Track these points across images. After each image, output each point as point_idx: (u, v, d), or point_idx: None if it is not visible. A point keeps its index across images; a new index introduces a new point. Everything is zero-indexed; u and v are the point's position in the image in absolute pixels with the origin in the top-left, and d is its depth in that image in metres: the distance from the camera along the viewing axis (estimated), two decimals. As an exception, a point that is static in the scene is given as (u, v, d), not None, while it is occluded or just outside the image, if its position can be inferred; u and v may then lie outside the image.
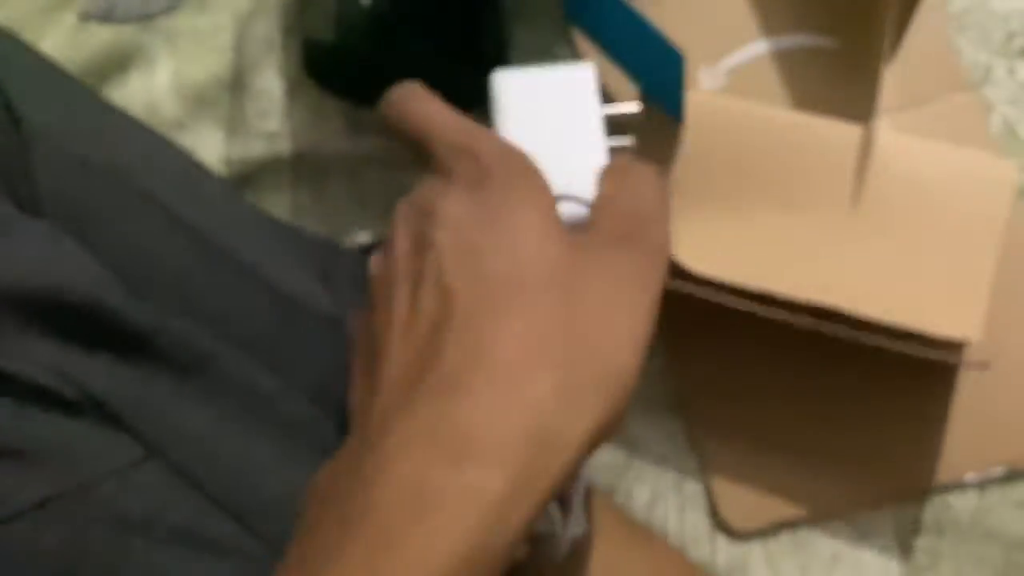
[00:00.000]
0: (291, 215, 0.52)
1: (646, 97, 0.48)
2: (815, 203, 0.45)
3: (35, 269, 0.32)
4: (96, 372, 0.32)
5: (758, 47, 0.50)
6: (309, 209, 0.52)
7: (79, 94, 0.41)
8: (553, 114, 0.40)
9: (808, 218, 0.45)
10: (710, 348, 0.47)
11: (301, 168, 0.52)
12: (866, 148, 0.47)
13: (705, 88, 0.50)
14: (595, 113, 0.40)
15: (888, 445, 0.45)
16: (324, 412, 0.35)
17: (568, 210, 0.35)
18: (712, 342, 0.46)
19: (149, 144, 0.41)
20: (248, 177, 0.53)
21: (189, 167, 0.41)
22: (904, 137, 0.47)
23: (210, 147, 0.53)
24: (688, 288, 0.43)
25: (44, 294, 0.32)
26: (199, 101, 0.54)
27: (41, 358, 0.32)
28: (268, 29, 0.54)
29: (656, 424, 0.46)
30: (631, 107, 0.43)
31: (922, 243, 0.44)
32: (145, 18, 0.55)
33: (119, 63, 0.55)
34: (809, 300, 0.42)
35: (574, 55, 0.52)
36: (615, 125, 0.43)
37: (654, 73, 0.46)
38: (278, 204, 0.52)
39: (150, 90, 0.55)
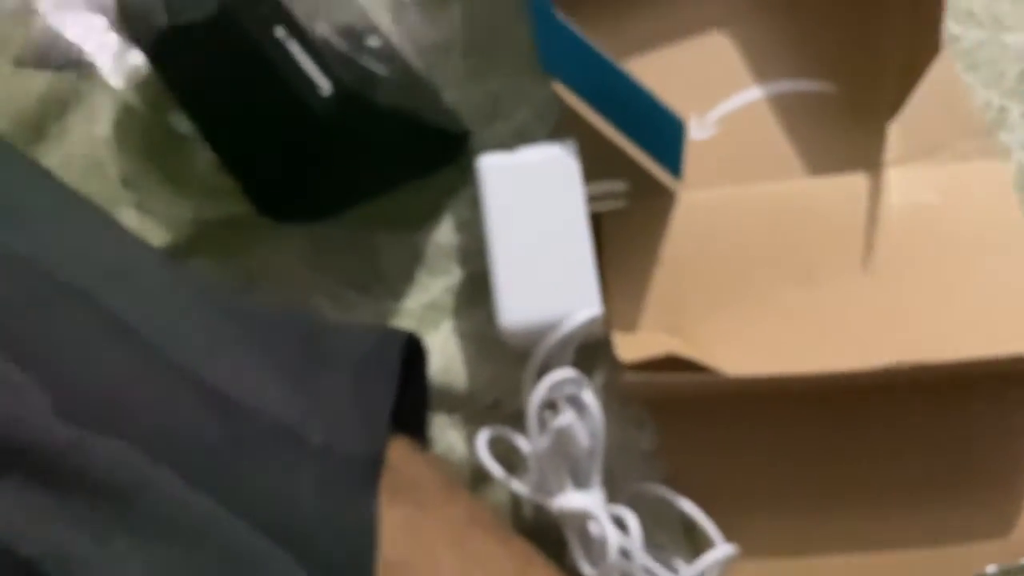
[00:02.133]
0: (243, 279, 0.48)
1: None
2: (835, 268, 0.42)
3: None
4: (6, 509, 0.28)
5: (751, 94, 0.46)
6: (263, 272, 0.48)
7: (3, 171, 0.37)
8: (538, 199, 0.42)
9: (832, 285, 0.42)
10: (704, 430, 0.43)
11: (257, 228, 0.48)
12: (874, 199, 0.43)
13: (695, 139, 0.46)
14: (578, 194, 0.42)
15: (900, 535, 0.41)
16: (280, 543, 0.31)
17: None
18: (706, 423, 0.42)
19: (83, 227, 0.36)
20: (198, 239, 0.49)
21: (127, 250, 0.37)
22: (901, 171, 0.44)
23: (157, 206, 0.49)
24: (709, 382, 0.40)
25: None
26: (146, 156, 0.50)
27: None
28: (219, 76, 0.50)
29: (651, 509, 0.42)
30: (617, 185, 0.42)
31: (957, 271, 0.42)
32: (85, 64, 0.51)
33: (57, 114, 0.51)
34: (874, 367, 0.39)
35: (552, 102, 0.48)
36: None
37: (648, 132, 0.42)
38: (230, 268, 0.48)
39: (92, 143, 0.50)
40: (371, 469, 0.35)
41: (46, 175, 0.40)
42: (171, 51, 0.44)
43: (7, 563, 0.27)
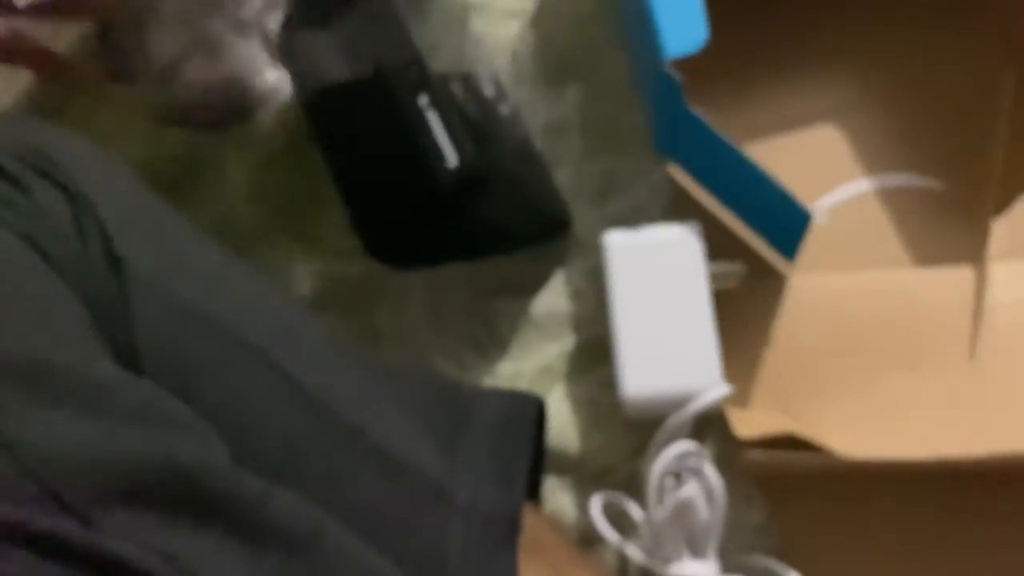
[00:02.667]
0: (369, 335, 0.51)
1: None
2: (942, 357, 0.44)
3: (138, 441, 0.30)
4: (203, 555, 0.30)
5: (859, 185, 0.49)
6: (385, 331, 0.51)
7: (175, 226, 0.40)
8: (662, 276, 0.44)
9: (938, 373, 0.44)
10: (814, 507, 0.44)
11: (381, 288, 0.51)
12: (979, 293, 0.45)
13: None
14: (701, 274, 0.45)
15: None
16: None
17: None
18: (816, 500, 0.44)
19: (248, 285, 0.39)
20: (324, 296, 0.51)
21: (292, 313, 0.39)
22: (1006, 266, 0.46)
23: (287, 262, 0.52)
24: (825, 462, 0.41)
25: (147, 467, 0.30)
26: (275, 213, 0.53)
27: (145, 537, 0.30)
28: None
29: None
30: (736, 267, 0.44)
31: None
32: (221, 125, 0.54)
33: (192, 170, 0.54)
34: (978, 455, 0.41)
35: (666, 181, 0.50)
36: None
37: (765, 216, 0.45)
38: (354, 325, 0.51)
39: (224, 200, 0.53)
40: (510, 529, 0.37)
41: (204, 234, 0.43)
42: (326, 103, 0.47)
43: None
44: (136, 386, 0.32)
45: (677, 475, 0.41)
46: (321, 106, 0.49)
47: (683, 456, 0.41)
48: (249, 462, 0.33)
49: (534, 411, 0.41)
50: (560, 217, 0.50)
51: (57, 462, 0.30)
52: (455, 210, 0.45)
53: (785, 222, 0.44)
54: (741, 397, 0.45)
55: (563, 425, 0.48)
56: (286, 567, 0.31)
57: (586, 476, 0.47)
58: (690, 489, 0.40)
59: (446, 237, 0.48)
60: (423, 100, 0.44)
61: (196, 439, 0.32)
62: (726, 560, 0.43)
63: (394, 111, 0.45)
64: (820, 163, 0.49)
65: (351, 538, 0.33)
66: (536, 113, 0.52)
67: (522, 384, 0.49)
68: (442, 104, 0.44)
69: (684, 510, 0.40)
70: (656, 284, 0.44)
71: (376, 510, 0.35)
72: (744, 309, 0.46)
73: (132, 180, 0.42)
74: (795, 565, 0.43)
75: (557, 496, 0.47)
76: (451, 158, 0.44)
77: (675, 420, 0.41)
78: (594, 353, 0.49)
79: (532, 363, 0.49)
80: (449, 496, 0.36)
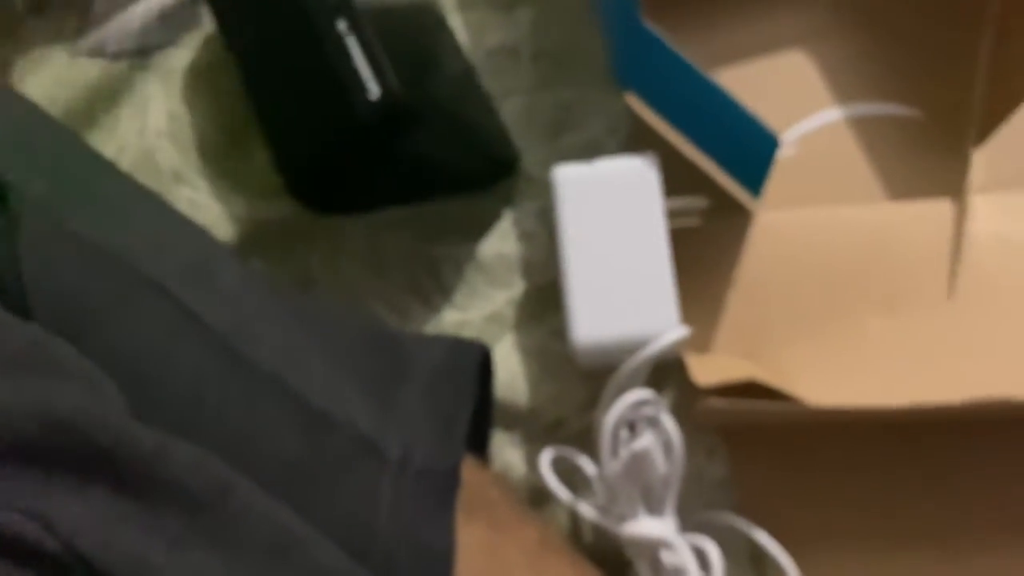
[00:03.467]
0: (302, 283, 0.47)
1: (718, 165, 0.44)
2: (918, 297, 0.41)
3: (10, 391, 0.27)
4: (85, 517, 0.26)
5: (831, 114, 0.45)
6: (319, 276, 0.47)
7: (76, 156, 0.36)
8: (616, 213, 0.40)
9: (915, 315, 0.41)
10: (778, 459, 0.41)
11: (315, 231, 0.47)
12: (958, 227, 0.42)
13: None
14: (658, 209, 0.41)
15: (976, 555, 0.40)
16: (356, 559, 0.29)
17: None
18: (780, 452, 0.41)
19: (158, 220, 0.35)
20: (253, 238, 0.47)
21: (205, 249, 0.35)
22: (985, 199, 0.43)
23: (212, 204, 0.47)
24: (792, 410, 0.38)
25: (20, 420, 0.27)
26: (200, 151, 0.48)
27: (17, 499, 0.26)
28: (280, 72, 0.49)
29: (717, 538, 0.41)
30: (697, 201, 0.41)
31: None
32: (140, 54, 0.50)
33: (109, 104, 0.49)
34: (958, 401, 0.38)
35: (624, 114, 0.46)
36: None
37: (730, 148, 0.41)
38: (285, 269, 0.47)
39: (143, 135, 0.49)
40: (448, 485, 0.34)
41: (114, 166, 0.39)
42: (244, 31, 0.43)
43: (85, 573, 0.26)
44: (18, 330, 0.28)
45: (632, 426, 0.38)
46: (239, 36, 0.45)
47: (638, 404, 0.37)
48: (152, 414, 0.29)
49: (477, 359, 0.38)
50: (506, 158, 0.46)
51: None
52: (381, 147, 0.41)
53: (751, 152, 0.41)
54: (701, 342, 0.42)
55: (512, 377, 0.44)
56: (188, 529, 0.27)
57: (537, 430, 0.44)
58: (646, 440, 0.36)
59: (374, 179, 0.43)
60: (342, 25, 0.40)
61: (84, 388, 0.29)
62: (685, 518, 0.40)
63: (310, 37, 0.40)
64: (789, 91, 0.46)
65: (263, 497, 0.29)
66: (485, 39, 0.48)
67: (468, 334, 0.45)
68: (363, 30, 0.40)
69: (640, 462, 0.37)
70: (610, 221, 0.40)
71: (295, 467, 0.31)
72: (706, 248, 0.43)
73: (29, 109, 0.37)
74: (758, 521, 0.40)
75: (506, 452, 0.44)
76: (373, 89, 0.39)
77: (630, 365, 0.38)
78: (545, 300, 0.45)
79: (479, 311, 0.46)
80: (379, 451, 0.32)
